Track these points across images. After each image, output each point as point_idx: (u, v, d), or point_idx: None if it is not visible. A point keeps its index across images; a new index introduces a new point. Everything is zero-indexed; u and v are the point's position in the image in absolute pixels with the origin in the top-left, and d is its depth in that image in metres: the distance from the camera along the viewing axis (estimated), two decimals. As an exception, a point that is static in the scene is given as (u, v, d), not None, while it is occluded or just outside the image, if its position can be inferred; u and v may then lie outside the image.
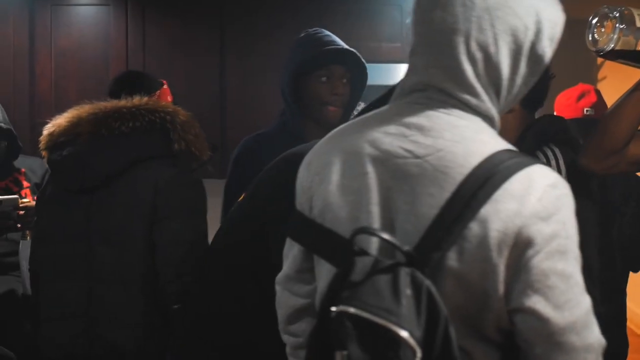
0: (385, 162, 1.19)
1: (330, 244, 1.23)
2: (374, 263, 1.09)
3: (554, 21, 1.23)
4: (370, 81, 2.44)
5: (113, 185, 2.10)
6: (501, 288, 1.11)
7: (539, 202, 1.10)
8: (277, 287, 1.40)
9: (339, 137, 1.30)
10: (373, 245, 1.19)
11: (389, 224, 1.17)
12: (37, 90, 4.16)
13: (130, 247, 2.06)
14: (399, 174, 1.17)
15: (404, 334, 1.01)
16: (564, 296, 1.10)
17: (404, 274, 1.06)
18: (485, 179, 1.11)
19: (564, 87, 3.28)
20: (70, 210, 2.15)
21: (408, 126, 1.20)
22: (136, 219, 2.07)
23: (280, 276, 1.39)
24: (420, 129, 1.19)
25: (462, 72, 1.19)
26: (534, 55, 1.21)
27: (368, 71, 2.42)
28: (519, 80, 1.22)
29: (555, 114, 3.13)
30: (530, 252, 1.09)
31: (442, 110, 1.20)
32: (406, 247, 1.09)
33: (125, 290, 2.05)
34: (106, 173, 2.10)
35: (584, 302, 1.13)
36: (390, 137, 1.21)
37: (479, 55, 1.18)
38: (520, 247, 1.09)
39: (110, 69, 4.13)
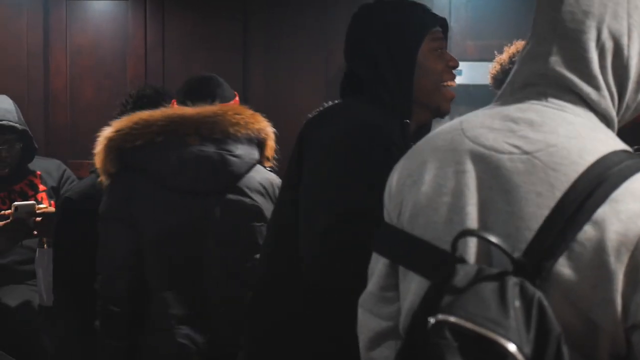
0: (488, 158, 1.10)
1: (422, 253, 1.14)
2: (478, 271, 1.00)
3: None
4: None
5: (228, 187, 2.20)
6: (618, 300, 1.00)
7: None
8: (359, 310, 1.28)
9: (435, 137, 1.21)
10: (470, 251, 1.09)
11: (484, 228, 1.07)
12: (52, 89, 4.03)
13: (244, 247, 2.15)
14: (502, 171, 1.08)
15: (512, 348, 0.91)
16: None
17: (512, 284, 0.97)
18: (603, 178, 1.02)
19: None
20: (178, 212, 2.13)
21: (516, 121, 1.12)
22: (248, 220, 2.17)
23: (363, 296, 1.29)
24: (530, 123, 1.10)
25: (588, 60, 1.10)
26: None
27: None
28: None
29: None
30: None
31: (555, 105, 1.12)
32: (516, 254, 1.00)
33: (242, 289, 2.09)
34: (234, 177, 2.19)
35: None
36: (494, 133, 1.12)
37: (609, 44, 1.10)
38: None
39: (127, 67, 4.00)
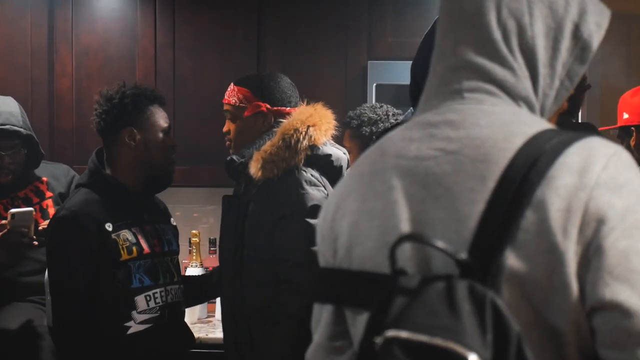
0: (413, 169, 1.06)
1: (364, 286, 1.06)
2: (421, 280, 0.93)
3: (600, 7, 1.12)
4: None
5: None
6: (574, 283, 0.94)
7: (605, 171, 0.96)
8: None
9: (359, 164, 1.17)
10: (408, 264, 1.02)
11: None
12: (57, 91, 3.85)
13: None
14: (430, 178, 1.04)
15: (470, 353, 0.85)
16: None
17: (460, 286, 0.91)
18: (536, 158, 0.97)
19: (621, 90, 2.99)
20: None
21: (435, 125, 1.08)
22: None
23: (310, 350, 1.22)
24: (450, 124, 1.06)
25: (494, 41, 1.07)
26: (578, 38, 1.08)
27: None
28: (559, 67, 1.08)
29: (626, 116, 2.84)
30: (604, 230, 0.94)
31: (472, 100, 1.07)
32: (461, 255, 0.93)
33: None
34: None
35: None
36: (416, 143, 1.08)
37: (511, 24, 1.07)
38: (591, 226, 0.94)
39: (136, 68, 3.84)
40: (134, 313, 2.39)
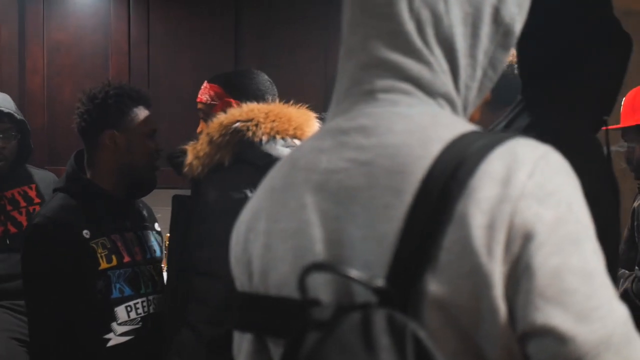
0: (326, 184, 0.97)
1: (281, 313, 0.97)
2: (336, 311, 0.85)
3: None
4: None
5: None
6: (502, 307, 0.85)
7: (531, 179, 0.87)
8: None
9: (269, 178, 1.08)
10: (324, 292, 0.93)
11: (339, 264, 0.93)
12: (28, 88, 3.79)
13: None
14: (343, 193, 0.95)
15: None
16: (589, 302, 0.85)
17: (379, 318, 0.82)
18: (455, 166, 0.87)
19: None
20: None
21: (346, 132, 0.98)
22: None
23: None
24: (361, 130, 0.97)
25: (407, 34, 0.97)
26: (500, 22, 0.99)
27: None
28: (480, 56, 1.00)
29: None
30: (532, 246, 0.85)
31: (386, 102, 0.98)
32: (378, 282, 0.85)
33: None
34: None
35: (619, 310, 0.87)
36: (327, 154, 0.98)
37: (425, 13, 0.97)
38: (517, 242, 0.85)
39: (110, 65, 3.78)
40: (113, 325, 2.28)
